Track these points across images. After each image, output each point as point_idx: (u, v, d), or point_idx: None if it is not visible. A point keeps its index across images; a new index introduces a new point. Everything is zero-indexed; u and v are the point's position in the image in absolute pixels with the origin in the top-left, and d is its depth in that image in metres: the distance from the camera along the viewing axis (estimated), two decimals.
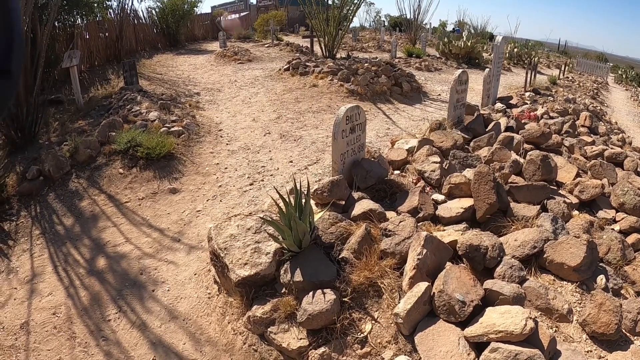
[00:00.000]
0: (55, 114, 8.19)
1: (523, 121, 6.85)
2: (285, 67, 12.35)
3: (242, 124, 8.30)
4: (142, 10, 23.71)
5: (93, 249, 4.77)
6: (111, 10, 14.14)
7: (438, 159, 4.80)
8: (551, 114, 8.38)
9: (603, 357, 2.74)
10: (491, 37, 29.54)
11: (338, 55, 14.39)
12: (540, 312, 3.00)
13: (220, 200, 5.49)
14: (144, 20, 16.92)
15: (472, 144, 5.81)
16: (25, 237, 5.04)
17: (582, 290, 3.21)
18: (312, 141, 7.23)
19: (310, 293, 3.09)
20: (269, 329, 3.17)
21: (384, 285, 3.13)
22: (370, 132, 7.59)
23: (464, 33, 23.51)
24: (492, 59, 9.75)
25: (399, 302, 2.89)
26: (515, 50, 23.83)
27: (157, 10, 17.62)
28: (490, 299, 2.90)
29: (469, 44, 19.27)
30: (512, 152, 5.21)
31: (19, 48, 0.42)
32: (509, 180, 4.48)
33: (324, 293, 3.05)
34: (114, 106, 8.20)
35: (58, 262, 4.59)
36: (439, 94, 11.86)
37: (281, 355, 3.13)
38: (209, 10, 29.56)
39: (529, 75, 12.82)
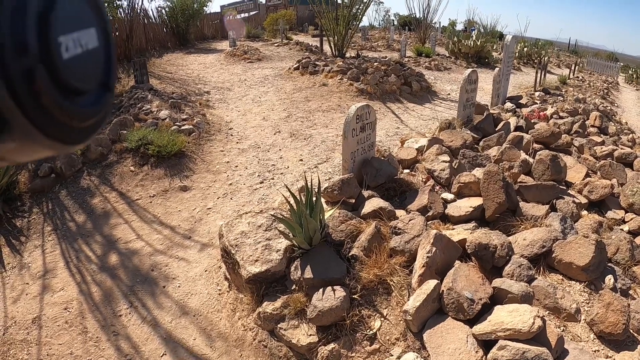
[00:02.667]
0: None
1: (533, 121, 6.84)
2: (295, 66, 12.37)
3: (252, 122, 8.34)
4: (152, 10, 23.75)
5: (104, 245, 4.82)
6: (121, 10, 14.22)
7: (447, 158, 4.81)
8: (561, 114, 8.35)
9: (610, 357, 2.74)
10: (501, 36, 29.42)
11: (347, 55, 14.40)
12: (548, 311, 3.00)
13: (231, 198, 5.53)
14: (153, 20, 16.95)
15: (481, 143, 5.81)
16: (37, 233, 5.09)
17: (590, 290, 3.22)
18: (322, 140, 7.25)
19: (320, 290, 3.12)
20: (279, 325, 3.21)
21: (394, 282, 3.15)
22: (380, 131, 7.59)
23: (473, 32, 23.43)
24: (502, 58, 9.72)
25: (408, 300, 2.92)
26: (525, 49, 23.70)
27: (166, 9, 17.63)
28: (498, 298, 2.91)
29: (479, 43, 19.18)
30: (521, 151, 5.21)
31: (114, 59, 0.47)
32: (518, 180, 4.48)
33: (333, 290, 3.08)
34: (124, 105, 8.25)
35: (70, 258, 4.64)
36: (449, 93, 11.84)
37: (291, 351, 3.17)
38: (219, 10, 29.62)
39: (538, 75, 12.76)
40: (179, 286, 4.15)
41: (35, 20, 0.37)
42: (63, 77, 0.39)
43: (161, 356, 3.45)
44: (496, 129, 6.28)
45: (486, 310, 2.79)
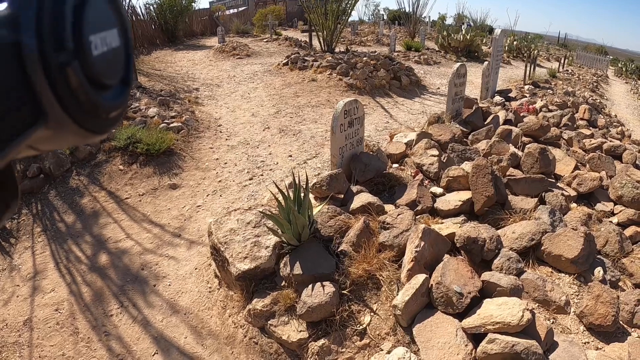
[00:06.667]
0: None
1: (522, 114, 6.87)
2: (284, 61, 12.35)
3: (241, 119, 8.32)
4: (140, 6, 23.65)
5: (94, 245, 4.79)
6: None
7: (436, 152, 4.82)
8: (550, 107, 8.39)
9: (600, 349, 2.76)
10: (490, 30, 29.50)
11: (337, 50, 14.38)
12: (537, 304, 3.02)
13: (220, 195, 5.52)
14: (142, 17, 16.87)
15: (470, 137, 5.83)
16: (26, 234, 5.05)
17: (580, 282, 3.24)
18: (311, 135, 7.25)
19: (310, 286, 3.11)
20: (269, 322, 3.20)
21: (383, 277, 3.15)
22: (369, 126, 7.61)
23: (462, 26, 23.46)
24: (491, 52, 9.74)
25: (397, 294, 2.92)
26: (515, 43, 23.79)
27: (155, 6, 17.56)
28: (488, 291, 2.92)
29: (468, 37, 19.23)
30: (510, 145, 5.23)
31: (132, 56, 0.54)
32: (507, 173, 4.50)
33: (323, 286, 3.07)
34: None
35: (60, 259, 4.61)
36: (438, 88, 11.86)
37: (281, 347, 3.16)
38: (207, 6, 29.51)
39: (528, 69, 12.81)
40: (169, 285, 4.13)
41: (71, 21, 0.41)
42: (93, 72, 0.43)
43: (152, 355, 3.44)
44: (485, 123, 6.30)
45: (475, 303, 2.80)
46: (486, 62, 9.13)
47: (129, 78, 0.52)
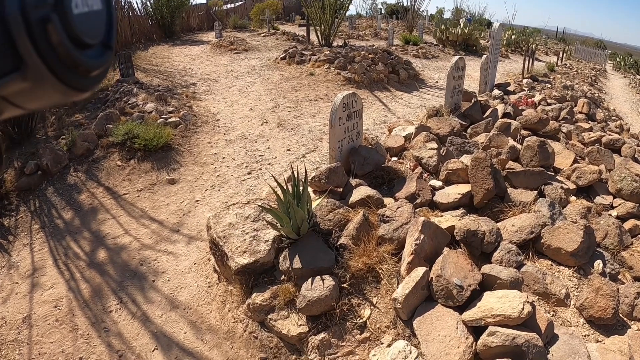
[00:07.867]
0: (52, 108, 8.15)
1: (520, 108, 6.84)
2: (282, 56, 12.30)
3: (239, 113, 8.29)
4: (136, 2, 23.52)
5: (93, 241, 4.78)
6: None
7: (435, 146, 4.81)
8: (549, 101, 8.37)
9: (600, 341, 2.76)
10: (489, 24, 29.46)
11: (335, 44, 14.35)
12: (537, 297, 3.02)
13: (219, 190, 5.50)
14: (138, 12, 16.76)
15: (469, 130, 5.82)
16: (25, 232, 5.04)
17: (580, 275, 3.24)
18: (310, 129, 7.24)
19: (309, 279, 3.11)
20: (268, 316, 3.20)
21: (382, 270, 3.14)
22: (368, 120, 7.59)
23: (461, 20, 23.41)
24: (490, 46, 9.72)
25: (397, 288, 2.91)
26: (513, 37, 23.76)
27: (151, 1, 17.47)
28: (488, 284, 2.92)
29: (466, 31, 19.18)
30: (509, 138, 5.22)
31: (115, 23, 0.55)
32: (506, 166, 4.49)
33: (322, 279, 3.06)
34: (110, 99, 8.16)
35: (58, 255, 4.60)
36: (437, 81, 11.83)
37: (281, 341, 3.16)
38: (204, 1, 29.37)
39: (526, 62, 12.77)
40: (168, 280, 4.12)
41: None
42: (73, 28, 0.44)
43: (152, 351, 3.43)
44: (484, 116, 6.28)
45: (475, 296, 2.79)
46: (485, 56, 9.10)
47: (111, 41, 0.53)
